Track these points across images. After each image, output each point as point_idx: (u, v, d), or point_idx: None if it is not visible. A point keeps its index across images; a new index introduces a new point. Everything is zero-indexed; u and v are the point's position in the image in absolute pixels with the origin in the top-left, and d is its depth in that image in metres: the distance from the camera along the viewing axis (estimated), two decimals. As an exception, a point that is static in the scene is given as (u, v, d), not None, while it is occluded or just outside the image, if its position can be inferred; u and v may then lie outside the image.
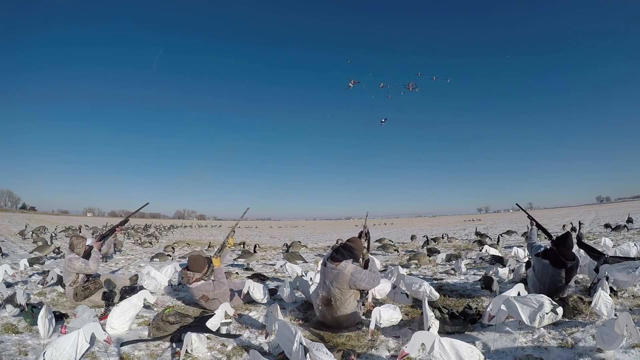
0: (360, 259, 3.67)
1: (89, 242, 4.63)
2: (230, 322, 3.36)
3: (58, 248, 9.26)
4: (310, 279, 4.67)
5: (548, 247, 4.05)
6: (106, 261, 8.24)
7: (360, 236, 4.30)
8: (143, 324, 3.52)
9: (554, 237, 4.04)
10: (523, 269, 5.01)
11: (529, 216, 5.03)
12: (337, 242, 12.64)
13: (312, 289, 4.19)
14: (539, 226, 4.85)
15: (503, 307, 2.88)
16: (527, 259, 6.81)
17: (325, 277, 3.42)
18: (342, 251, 3.45)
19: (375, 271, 3.56)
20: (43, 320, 2.88)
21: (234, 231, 4.65)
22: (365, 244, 4.34)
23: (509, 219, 37.25)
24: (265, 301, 4.19)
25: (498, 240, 10.08)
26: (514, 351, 2.68)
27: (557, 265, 3.66)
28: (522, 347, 2.72)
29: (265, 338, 2.98)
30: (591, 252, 4.72)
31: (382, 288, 4.10)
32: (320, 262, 3.72)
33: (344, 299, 3.34)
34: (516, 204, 6.00)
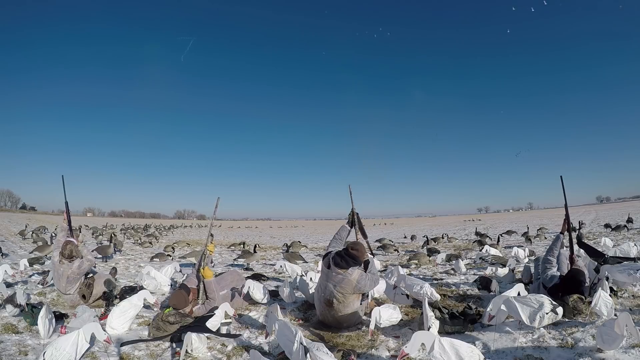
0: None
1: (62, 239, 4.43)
2: (230, 322, 3.36)
3: (58, 248, 9.25)
4: (311, 278, 4.67)
5: (558, 280, 3.66)
6: (106, 261, 8.24)
7: (352, 224, 4.17)
8: (143, 324, 3.52)
9: (572, 269, 3.62)
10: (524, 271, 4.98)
11: (566, 216, 4.04)
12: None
13: (312, 289, 4.19)
14: (581, 245, 4.16)
15: (503, 307, 2.88)
16: (526, 259, 6.81)
17: (329, 280, 3.41)
18: (347, 259, 3.41)
19: (375, 273, 3.59)
20: (43, 320, 2.88)
21: (212, 235, 4.23)
22: (359, 234, 4.21)
23: (509, 219, 37.28)
24: (265, 301, 4.19)
25: (498, 240, 10.09)
26: (514, 351, 2.68)
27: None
28: (522, 347, 2.72)
29: (265, 338, 2.97)
30: (591, 252, 4.71)
31: (380, 287, 4.10)
32: (321, 262, 3.68)
33: (347, 302, 3.36)
34: (560, 177, 4.24)
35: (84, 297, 4.16)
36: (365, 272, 3.48)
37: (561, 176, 4.29)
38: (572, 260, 3.86)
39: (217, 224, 55.68)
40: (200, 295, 3.75)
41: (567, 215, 4.09)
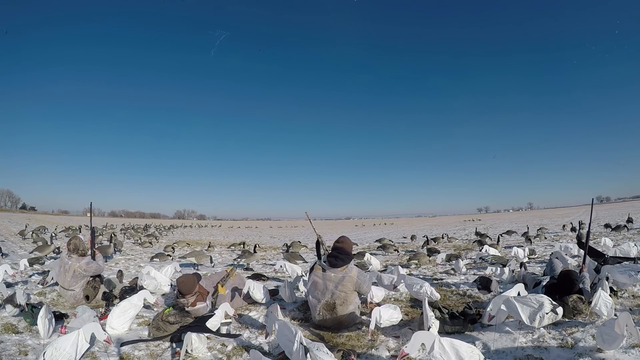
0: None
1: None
2: (230, 322, 3.36)
3: (58, 248, 9.25)
4: (310, 279, 4.66)
5: (548, 283, 3.76)
6: (106, 261, 8.24)
7: (318, 245, 4.06)
8: (143, 324, 3.52)
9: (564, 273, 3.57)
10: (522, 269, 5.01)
11: (579, 242, 4.12)
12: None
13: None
14: (581, 245, 4.25)
15: (503, 307, 2.88)
16: (526, 259, 6.82)
17: (327, 282, 3.41)
18: (341, 256, 3.46)
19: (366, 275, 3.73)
20: (43, 320, 2.88)
21: (236, 267, 5.04)
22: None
23: (509, 219, 37.21)
24: (265, 301, 4.19)
25: (498, 240, 10.08)
26: (514, 351, 2.68)
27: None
28: (522, 347, 2.72)
29: (266, 338, 2.97)
30: (591, 252, 4.71)
31: (379, 292, 4.11)
32: (310, 273, 3.66)
33: (349, 301, 3.39)
34: (592, 199, 4.57)
35: (87, 297, 4.17)
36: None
37: (593, 199, 4.56)
38: (581, 270, 3.88)
39: (217, 224, 55.68)
40: (215, 295, 4.03)
41: (587, 239, 4.21)
